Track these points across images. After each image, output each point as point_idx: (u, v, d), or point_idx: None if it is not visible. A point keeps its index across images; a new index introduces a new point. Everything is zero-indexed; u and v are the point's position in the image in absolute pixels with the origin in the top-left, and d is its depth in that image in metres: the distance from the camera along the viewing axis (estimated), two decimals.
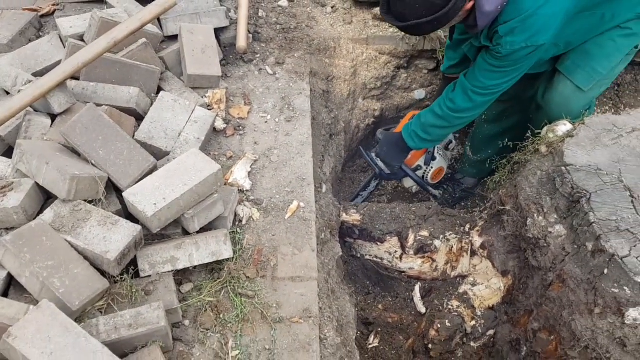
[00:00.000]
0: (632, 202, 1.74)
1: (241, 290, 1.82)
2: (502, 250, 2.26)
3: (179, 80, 2.41)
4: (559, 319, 1.89)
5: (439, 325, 2.32)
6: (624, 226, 1.68)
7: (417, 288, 2.55)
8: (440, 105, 2.38)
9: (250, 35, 2.76)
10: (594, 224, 1.71)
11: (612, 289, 1.65)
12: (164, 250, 1.76)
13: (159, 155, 2.05)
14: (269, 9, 2.95)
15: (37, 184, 1.75)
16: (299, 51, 2.78)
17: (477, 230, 2.40)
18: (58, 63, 2.28)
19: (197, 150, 1.87)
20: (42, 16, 2.72)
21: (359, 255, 2.67)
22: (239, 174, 2.15)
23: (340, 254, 2.27)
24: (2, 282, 1.61)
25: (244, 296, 1.81)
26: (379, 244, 2.56)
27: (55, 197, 1.73)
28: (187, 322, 1.75)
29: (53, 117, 2.03)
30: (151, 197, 1.71)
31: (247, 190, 2.13)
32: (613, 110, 3.48)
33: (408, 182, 3.14)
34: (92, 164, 1.83)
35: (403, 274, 2.62)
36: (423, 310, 2.49)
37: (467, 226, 2.46)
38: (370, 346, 2.47)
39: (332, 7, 3.10)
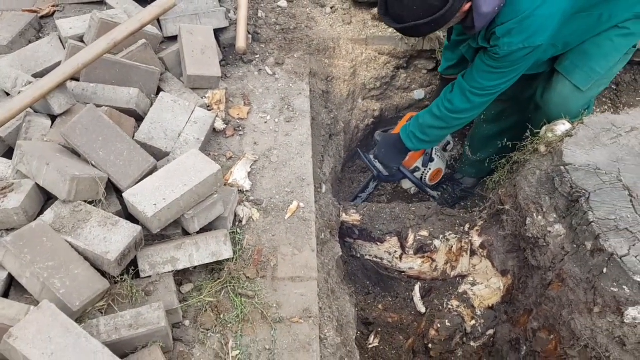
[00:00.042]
0: (631, 201, 1.74)
1: (241, 291, 1.82)
2: (502, 249, 2.26)
3: (179, 81, 2.42)
4: (558, 318, 1.90)
5: (439, 325, 2.33)
6: (622, 225, 1.68)
7: (417, 288, 2.56)
8: (438, 106, 2.39)
9: (250, 36, 2.76)
10: (593, 223, 1.71)
11: (611, 288, 1.65)
12: (164, 251, 1.77)
13: (159, 155, 2.05)
14: (268, 10, 2.96)
15: (37, 184, 1.75)
16: (299, 52, 2.78)
17: (477, 230, 2.40)
18: (58, 64, 2.28)
19: (197, 151, 1.87)
20: (42, 17, 2.72)
21: (358, 256, 2.67)
22: (239, 175, 2.15)
23: (340, 254, 2.27)
24: (3, 282, 1.62)
25: (244, 296, 1.81)
26: (378, 244, 2.56)
27: (56, 198, 1.74)
28: (187, 323, 1.75)
29: (53, 118, 2.03)
30: (151, 197, 1.71)
31: (247, 191, 2.13)
32: (612, 110, 3.48)
33: (406, 184, 3.14)
34: (92, 165, 1.83)
35: (403, 273, 2.63)
36: (423, 310, 2.49)
37: (467, 226, 2.47)
38: (370, 346, 2.47)
39: (331, 8, 3.10)
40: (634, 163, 1.85)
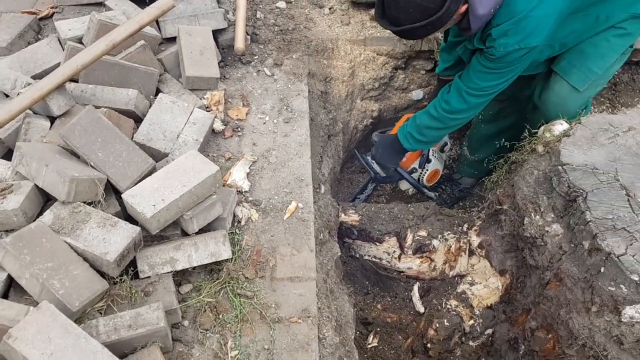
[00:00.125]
0: (628, 200, 1.75)
1: (240, 291, 1.82)
2: (500, 249, 2.27)
3: (178, 82, 2.42)
4: (556, 317, 1.90)
5: (438, 325, 2.33)
6: (620, 225, 1.69)
7: (415, 288, 2.56)
8: (435, 107, 2.39)
9: (249, 37, 2.77)
10: (590, 223, 1.72)
11: (609, 287, 1.66)
12: (163, 252, 1.77)
13: (158, 156, 2.05)
14: (267, 11, 2.97)
15: (36, 186, 1.75)
16: (297, 52, 2.79)
17: (475, 230, 2.41)
18: (57, 65, 2.29)
19: (195, 152, 1.87)
20: (41, 19, 2.73)
21: (357, 256, 2.68)
22: (238, 175, 2.16)
23: (339, 254, 2.28)
24: (2, 283, 1.62)
25: (242, 296, 1.82)
26: (377, 244, 2.57)
27: (55, 199, 1.74)
28: (186, 323, 1.75)
29: (52, 119, 2.04)
30: (150, 198, 1.72)
31: (245, 191, 2.14)
32: (610, 110, 3.49)
33: (404, 185, 3.15)
34: (91, 166, 1.83)
35: (402, 273, 2.63)
36: (422, 309, 2.50)
37: (465, 226, 2.47)
38: (369, 346, 2.47)
39: (329, 9, 3.11)
40: (631, 163, 1.85)
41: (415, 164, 2.96)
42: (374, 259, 2.64)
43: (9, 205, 1.68)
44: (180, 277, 1.85)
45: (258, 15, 2.91)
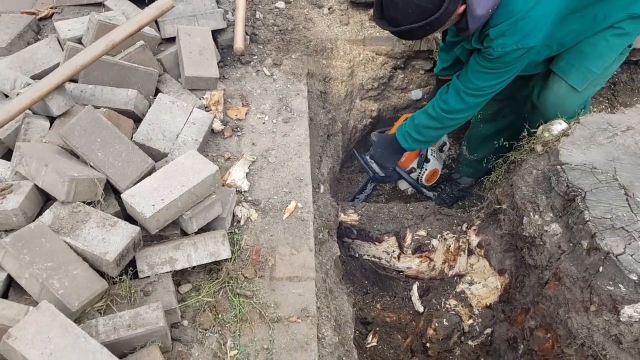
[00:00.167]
0: (627, 200, 1.75)
1: (239, 291, 1.83)
2: (499, 249, 2.27)
3: (177, 83, 2.43)
4: (555, 317, 1.91)
5: (437, 325, 2.34)
6: (619, 224, 1.69)
7: (415, 287, 2.57)
8: (433, 107, 2.40)
9: (248, 37, 2.77)
10: (589, 223, 1.72)
11: (608, 287, 1.66)
12: (163, 252, 1.77)
13: (158, 156, 2.06)
14: (266, 11, 2.97)
15: (36, 186, 1.76)
16: (297, 53, 2.79)
17: (474, 230, 2.41)
18: (57, 66, 2.29)
19: (195, 152, 1.88)
20: (41, 19, 2.73)
21: (357, 256, 2.68)
22: (237, 175, 2.16)
23: (339, 254, 2.28)
24: (2, 283, 1.62)
25: (242, 296, 1.82)
26: (377, 244, 2.57)
27: (55, 199, 1.74)
28: (185, 323, 1.76)
29: (52, 119, 2.04)
30: (150, 198, 1.72)
31: (245, 191, 2.14)
32: (609, 110, 3.49)
33: (403, 185, 3.15)
34: (91, 166, 1.84)
35: (401, 273, 2.64)
36: (421, 309, 2.50)
37: (465, 225, 2.48)
38: (368, 345, 2.48)
39: (329, 9, 3.11)
40: (630, 162, 1.86)
41: (414, 164, 2.97)
42: (373, 259, 2.64)
43: (9, 205, 1.68)
44: (179, 277, 1.85)
45: (257, 16, 2.92)
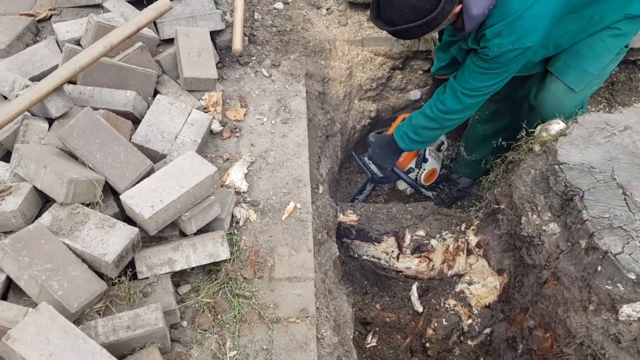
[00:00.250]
0: (625, 199, 1.75)
1: (238, 291, 1.83)
2: (498, 248, 2.28)
3: (176, 84, 2.43)
4: (554, 316, 1.91)
5: (436, 324, 2.34)
6: (616, 223, 1.70)
7: (414, 287, 2.57)
8: (430, 107, 2.40)
9: (246, 38, 2.77)
10: (587, 222, 1.72)
11: (606, 286, 1.67)
12: (162, 252, 1.77)
13: (156, 158, 2.06)
14: (264, 12, 2.97)
15: (35, 187, 1.76)
16: (295, 53, 2.79)
17: (473, 229, 2.42)
18: (55, 67, 2.29)
19: (193, 153, 1.88)
20: (39, 21, 2.73)
21: (356, 256, 2.68)
22: (236, 176, 2.16)
23: (337, 254, 2.28)
24: (1, 285, 1.62)
25: (241, 297, 1.82)
26: (375, 244, 2.57)
27: (53, 201, 1.75)
28: (184, 323, 1.76)
29: (50, 121, 2.04)
30: (148, 199, 1.72)
31: (243, 192, 2.14)
32: (607, 109, 3.50)
33: (402, 185, 3.16)
34: (90, 167, 1.84)
35: (400, 273, 2.64)
36: (420, 309, 2.50)
37: (463, 225, 2.48)
38: (368, 345, 2.48)
39: (327, 9, 3.11)
40: (627, 162, 1.86)
41: (412, 164, 2.97)
42: (372, 259, 2.65)
43: (8, 206, 1.68)
44: (178, 277, 1.85)
45: (255, 17, 2.92)
